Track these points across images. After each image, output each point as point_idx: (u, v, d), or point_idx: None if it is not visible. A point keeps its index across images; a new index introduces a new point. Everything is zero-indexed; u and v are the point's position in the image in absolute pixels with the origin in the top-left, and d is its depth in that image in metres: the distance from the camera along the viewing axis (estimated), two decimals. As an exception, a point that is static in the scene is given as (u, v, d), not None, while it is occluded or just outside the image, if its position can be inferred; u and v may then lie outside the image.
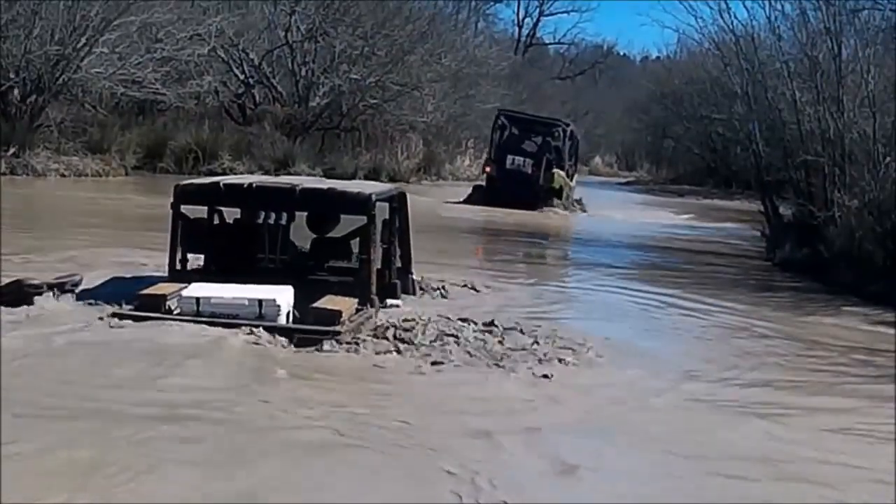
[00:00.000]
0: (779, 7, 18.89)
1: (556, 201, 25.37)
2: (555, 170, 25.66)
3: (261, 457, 5.35)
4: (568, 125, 28.31)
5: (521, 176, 25.24)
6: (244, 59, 30.48)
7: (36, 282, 8.21)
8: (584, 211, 26.23)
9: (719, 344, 9.82)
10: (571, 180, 27.20)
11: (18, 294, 8.02)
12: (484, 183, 26.62)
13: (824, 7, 16.91)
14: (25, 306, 7.93)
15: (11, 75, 22.45)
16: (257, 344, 7.51)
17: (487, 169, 26.60)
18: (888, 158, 15.13)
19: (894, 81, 15.87)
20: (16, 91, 22.81)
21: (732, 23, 20.07)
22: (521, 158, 25.85)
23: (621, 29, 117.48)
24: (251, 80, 31.21)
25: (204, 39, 26.30)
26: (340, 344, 7.58)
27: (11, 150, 21.33)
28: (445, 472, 5.36)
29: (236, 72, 30.54)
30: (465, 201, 25.21)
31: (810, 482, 5.81)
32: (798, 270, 16.00)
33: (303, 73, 31.10)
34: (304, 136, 30.25)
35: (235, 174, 25.05)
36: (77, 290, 8.38)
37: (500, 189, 24.88)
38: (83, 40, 22.55)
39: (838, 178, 16.18)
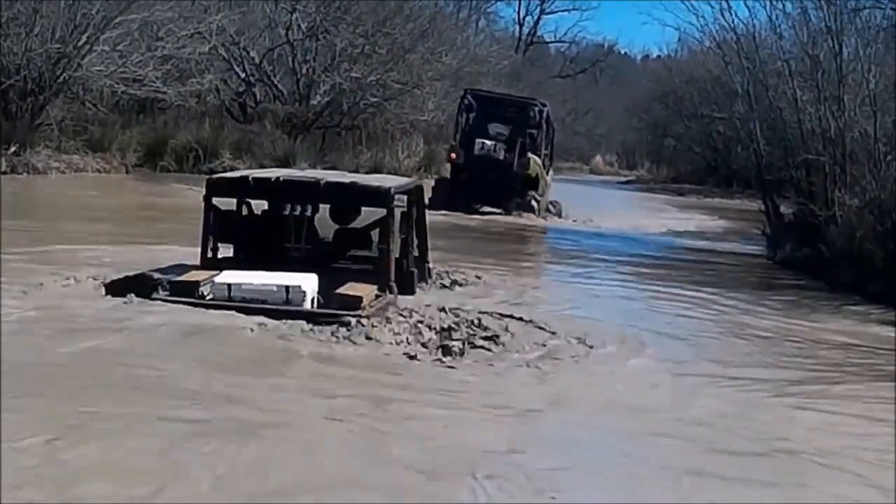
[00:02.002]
0: (780, 6, 18.95)
1: (531, 198, 22.06)
2: (530, 155, 22.52)
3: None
4: (545, 105, 24.48)
5: (491, 162, 22.07)
6: (245, 57, 30.46)
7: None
8: (560, 218, 22.73)
9: (720, 340, 9.84)
10: (547, 173, 23.68)
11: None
12: (448, 174, 23.22)
13: (825, 6, 16.93)
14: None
15: (12, 73, 22.44)
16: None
17: (453, 156, 22.96)
18: (889, 157, 15.16)
19: (895, 80, 15.88)
20: (17, 89, 22.79)
21: (733, 21, 20.11)
22: (492, 143, 22.53)
23: (622, 27, 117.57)
24: (252, 79, 31.20)
25: (205, 38, 26.28)
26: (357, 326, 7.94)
27: (12, 149, 21.33)
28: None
29: (237, 70, 30.53)
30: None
31: (808, 479, 5.82)
32: (799, 269, 16.02)
33: (304, 71, 31.08)
34: (305, 135, 30.24)
35: (237, 172, 25.22)
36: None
37: (468, 179, 21.86)
38: (84, 38, 22.53)
39: (839, 177, 16.20)
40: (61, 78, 22.93)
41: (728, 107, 24.96)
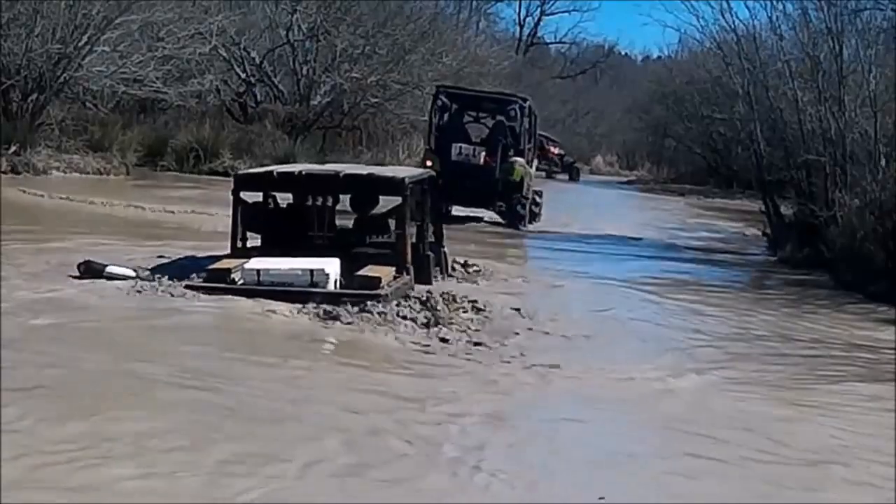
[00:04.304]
0: (780, 7, 18.95)
1: (517, 202, 20.23)
2: (514, 158, 20.45)
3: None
4: (526, 100, 21.93)
5: (470, 168, 20.08)
6: (245, 57, 30.47)
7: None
8: (533, 220, 20.89)
9: (719, 339, 9.86)
10: (531, 165, 21.67)
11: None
12: None
13: (826, 7, 16.94)
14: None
15: (13, 73, 22.44)
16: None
17: (428, 163, 20.09)
18: (889, 158, 15.17)
19: (895, 81, 15.90)
20: (17, 88, 22.80)
21: (734, 22, 20.09)
22: (470, 147, 20.67)
23: (623, 28, 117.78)
24: (252, 79, 31.21)
25: (205, 38, 26.26)
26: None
27: (13, 149, 21.32)
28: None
29: (238, 70, 30.54)
30: None
31: (807, 478, 5.82)
32: (799, 269, 16.04)
33: (304, 71, 31.09)
34: (306, 135, 30.24)
35: (262, 168, 25.54)
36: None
37: (444, 187, 18.67)
38: (85, 39, 22.52)
39: (839, 177, 16.21)
40: (62, 78, 22.92)
41: (728, 107, 24.96)
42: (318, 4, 30.91)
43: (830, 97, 16.58)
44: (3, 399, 5.62)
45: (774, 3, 18.81)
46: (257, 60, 30.82)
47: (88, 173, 22.71)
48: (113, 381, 6.40)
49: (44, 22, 22.28)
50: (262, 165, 26.31)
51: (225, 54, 29.05)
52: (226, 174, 25.52)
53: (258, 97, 31.88)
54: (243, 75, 30.85)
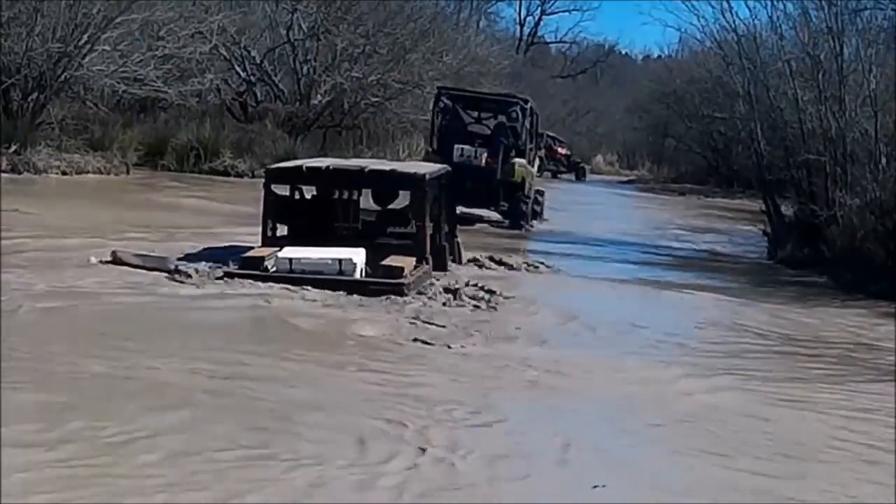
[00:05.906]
0: (781, 6, 18.98)
1: (518, 201, 20.20)
2: (515, 159, 20.46)
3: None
4: (527, 101, 21.90)
5: (472, 170, 19.78)
6: (246, 57, 30.46)
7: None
8: (534, 222, 21.00)
9: (720, 338, 9.87)
10: (532, 166, 21.72)
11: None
12: None
13: (826, 6, 16.96)
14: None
15: (13, 72, 22.43)
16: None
17: None
18: (890, 157, 15.18)
19: (895, 80, 15.91)
20: (18, 88, 22.79)
21: (734, 22, 20.11)
22: (472, 148, 20.54)
23: (623, 28, 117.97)
24: (253, 78, 31.20)
25: (206, 37, 26.25)
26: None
27: (13, 148, 21.31)
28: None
29: (238, 70, 30.53)
30: None
31: (807, 477, 5.82)
32: (800, 269, 16.05)
33: (304, 71, 31.08)
34: (306, 134, 30.23)
35: (237, 171, 25.57)
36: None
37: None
38: (85, 38, 22.51)
39: (840, 177, 16.22)
40: (62, 77, 22.91)
41: (729, 107, 25.00)
42: (319, 3, 30.89)
43: (831, 97, 16.59)
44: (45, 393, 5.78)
45: (775, 2, 18.86)
46: (257, 60, 30.81)
47: (88, 172, 22.71)
48: (146, 373, 6.50)
49: (44, 21, 22.27)
50: (262, 165, 26.31)
51: (225, 53, 29.05)
52: (226, 173, 25.64)
53: (258, 96, 31.88)
54: (243, 74, 30.84)
